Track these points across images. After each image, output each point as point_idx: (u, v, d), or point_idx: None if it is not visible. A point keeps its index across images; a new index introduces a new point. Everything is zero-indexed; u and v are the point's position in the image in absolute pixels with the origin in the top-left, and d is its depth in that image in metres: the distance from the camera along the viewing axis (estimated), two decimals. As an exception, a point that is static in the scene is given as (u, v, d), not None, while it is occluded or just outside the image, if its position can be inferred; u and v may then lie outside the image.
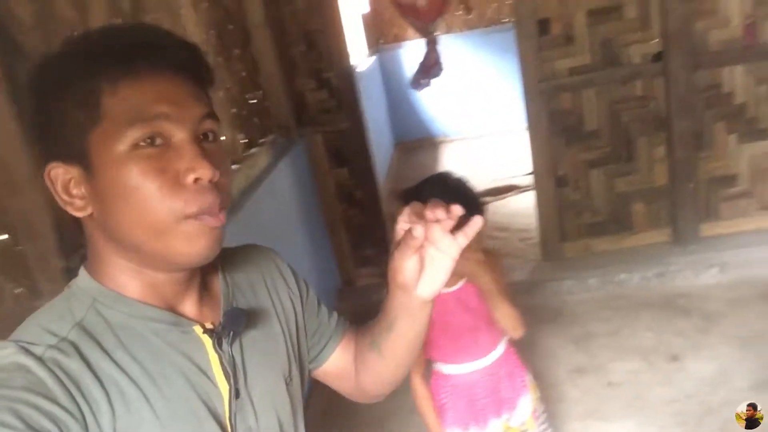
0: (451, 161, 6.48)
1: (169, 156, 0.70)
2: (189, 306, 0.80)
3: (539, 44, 3.32)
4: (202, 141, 0.74)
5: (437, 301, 0.90)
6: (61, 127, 0.71)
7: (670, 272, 3.42)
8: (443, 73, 5.00)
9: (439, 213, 0.78)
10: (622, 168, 3.51)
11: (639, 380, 2.78)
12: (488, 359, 1.83)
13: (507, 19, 6.31)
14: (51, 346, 0.68)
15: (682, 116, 3.30)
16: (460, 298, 1.78)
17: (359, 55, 5.76)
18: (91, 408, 0.67)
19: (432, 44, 4.68)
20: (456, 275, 1.76)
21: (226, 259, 0.88)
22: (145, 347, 0.74)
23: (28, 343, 0.69)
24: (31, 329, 0.71)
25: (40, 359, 0.67)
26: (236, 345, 0.81)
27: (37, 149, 0.76)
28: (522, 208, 4.70)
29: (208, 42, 2.69)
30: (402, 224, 0.81)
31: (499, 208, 4.98)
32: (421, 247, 0.80)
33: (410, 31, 6.25)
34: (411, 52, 6.51)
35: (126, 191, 0.69)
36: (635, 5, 3.25)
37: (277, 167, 3.07)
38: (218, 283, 0.86)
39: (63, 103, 0.70)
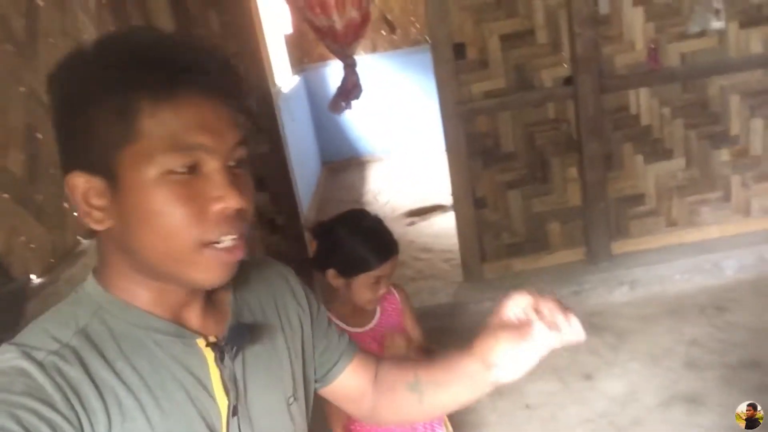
0: (378, 181, 6.49)
1: (199, 184, 0.70)
2: (194, 316, 0.80)
3: (456, 68, 3.36)
4: (233, 168, 0.73)
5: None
6: (89, 137, 0.69)
7: (585, 290, 3.50)
8: (366, 94, 4.99)
9: (558, 318, 0.81)
10: (537, 189, 3.57)
11: (554, 401, 2.81)
12: None
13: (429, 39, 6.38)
14: (52, 352, 0.68)
15: (592, 138, 3.40)
16: (374, 336, 1.74)
17: (282, 76, 5.70)
18: (88, 416, 0.67)
19: (350, 68, 4.66)
20: (369, 315, 1.74)
21: (240, 272, 0.86)
22: (146, 358, 0.73)
23: (30, 347, 0.68)
24: (35, 333, 0.71)
25: (41, 364, 0.67)
26: (238, 361, 0.81)
27: (59, 152, 0.74)
28: (446, 228, 4.72)
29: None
30: (516, 309, 0.84)
31: (424, 228, 5.00)
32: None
33: (335, 51, 6.25)
34: (336, 71, 6.50)
35: (151, 215, 0.69)
36: (546, 30, 3.34)
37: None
38: (227, 296, 0.85)
39: (96, 113, 0.68)
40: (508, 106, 3.42)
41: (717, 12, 3.17)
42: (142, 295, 0.76)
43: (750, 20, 3.32)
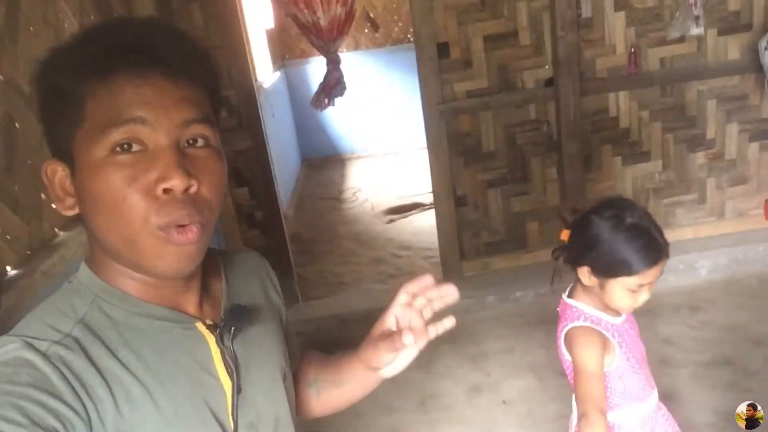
0: (357, 178, 6.49)
1: (145, 163, 0.68)
2: (190, 304, 0.80)
3: (439, 67, 3.38)
4: (189, 147, 0.71)
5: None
6: (54, 125, 0.72)
7: (562, 288, 3.53)
8: (347, 92, 4.99)
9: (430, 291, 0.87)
10: (517, 188, 3.61)
11: (532, 397, 2.85)
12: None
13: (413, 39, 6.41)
14: (55, 342, 0.68)
15: (572, 139, 3.44)
16: (629, 325, 1.61)
17: (264, 72, 5.67)
18: (95, 405, 0.66)
19: (334, 64, 4.66)
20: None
21: (227, 261, 0.91)
22: (148, 345, 0.73)
23: (32, 338, 0.67)
24: (33, 325, 0.70)
25: (44, 355, 0.66)
26: (238, 341, 0.81)
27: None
28: (426, 226, 4.75)
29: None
30: (398, 310, 0.88)
31: (404, 225, 5.02)
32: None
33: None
34: (318, 68, 6.50)
35: (99, 197, 0.69)
36: (529, 32, 3.37)
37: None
38: (219, 283, 0.87)
39: (56, 102, 0.70)
40: (490, 106, 3.46)
41: (697, 19, 3.23)
42: (133, 284, 0.75)
43: (728, 27, 3.39)
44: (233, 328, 0.80)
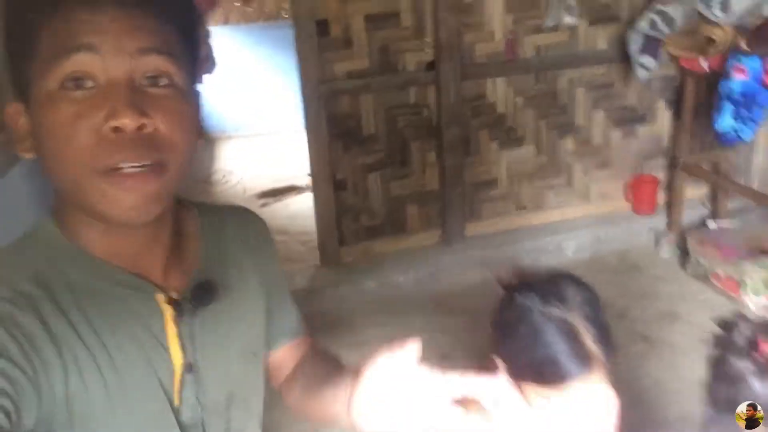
0: (228, 159, 6.21)
1: (94, 100, 0.63)
2: (156, 266, 0.75)
3: (319, 45, 3.24)
4: (149, 86, 0.65)
5: None
6: (12, 64, 0.68)
7: (440, 271, 3.56)
8: (216, 69, 4.70)
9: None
10: (397, 172, 3.57)
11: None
12: None
13: (287, 15, 6.19)
14: (5, 299, 0.65)
15: (452, 124, 3.45)
16: None
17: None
18: (45, 368, 0.64)
19: (204, 38, 4.37)
20: None
21: (210, 217, 0.85)
22: (100, 310, 0.69)
23: None
24: None
25: None
26: (200, 318, 0.77)
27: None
28: (302, 209, 4.61)
29: None
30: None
31: (279, 209, 4.86)
32: None
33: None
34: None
35: (46, 135, 0.65)
36: (410, 13, 3.32)
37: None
38: (195, 245, 0.81)
39: (13, 39, 0.67)
40: (370, 88, 3.37)
41: (570, 8, 3.33)
42: (94, 239, 0.71)
43: (598, 18, 3.53)
44: (195, 304, 0.76)
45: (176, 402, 0.75)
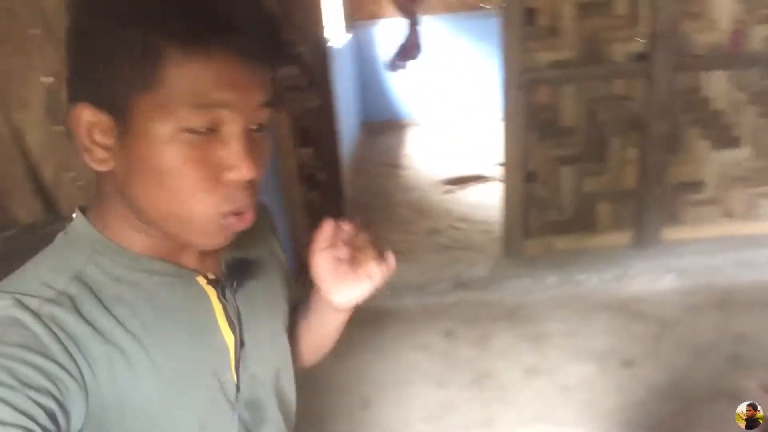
0: (416, 145, 6.38)
1: (216, 148, 0.65)
2: (191, 257, 0.77)
3: (524, 34, 3.20)
4: (253, 131, 0.68)
5: None
6: (106, 71, 0.63)
7: (629, 275, 3.39)
8: (420, 56, 4.86)
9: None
10: (592, 167, 3.44)
11: (592, 386, 2.73)
12: None
13: (487, 5, 6.20)
14: (48, 300, 0.64)
15: (660, 119, 3.25)
16: None
17: (336, 31, 5.57)
18: (89, 364, 0.64)
19: (414, 25, 4.53)
20: None
21: None
22: (146, 301, 0.71)
23: (23, 295, 0.64)
24: (26, 280, 0.67)
25: (35, 314, 0.63)
26: (240, 294, 0.80)
27: (68, 80, 0.67)
28: (485, 199, 4.63)
29: None
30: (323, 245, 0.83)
31: (462, 197, 4.91)
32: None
33: (386, 9, 6.09)
34: (385, 30, 6.34)
35: (158, 172, 0.64)
36: (625, 1, 3.16)
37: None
38: None
39: (118, 47, 0.62)
40: (573, 79, 3.27)
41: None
42: (136, 237, 0.72)
43: None
44: (235, 282, 0.79)
45: (234, 379, 0.78)
